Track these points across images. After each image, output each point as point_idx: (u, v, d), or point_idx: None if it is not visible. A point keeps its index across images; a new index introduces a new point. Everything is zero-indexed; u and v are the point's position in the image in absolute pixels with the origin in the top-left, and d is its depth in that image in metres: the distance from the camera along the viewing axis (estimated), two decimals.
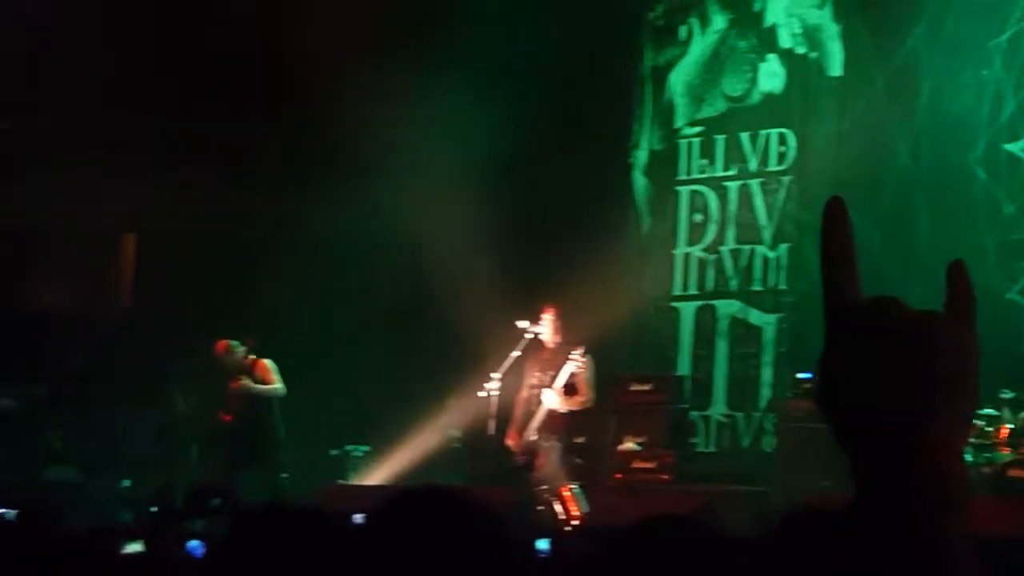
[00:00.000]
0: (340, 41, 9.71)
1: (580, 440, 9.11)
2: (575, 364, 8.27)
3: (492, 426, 8.52)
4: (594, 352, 8.53)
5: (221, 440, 9.42)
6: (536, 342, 8.55)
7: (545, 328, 8.50)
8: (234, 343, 9.42)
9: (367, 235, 10.72)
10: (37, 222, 11.32)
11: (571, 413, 8.45)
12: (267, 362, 9.43)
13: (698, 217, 11.38)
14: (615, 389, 10.04)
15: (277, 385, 9.38)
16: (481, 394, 8.60)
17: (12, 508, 5.64)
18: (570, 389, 8.32)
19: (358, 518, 2.08)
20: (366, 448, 10.90)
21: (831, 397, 1.23)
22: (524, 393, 8.50)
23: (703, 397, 11.06)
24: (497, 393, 8.47)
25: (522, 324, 8.50)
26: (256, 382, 9.39)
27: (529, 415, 8.41)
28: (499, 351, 8.72)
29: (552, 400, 8.28)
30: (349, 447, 10.92)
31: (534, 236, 11.01)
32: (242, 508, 4.80)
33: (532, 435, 8.35)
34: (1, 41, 10.01)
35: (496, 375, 8.52)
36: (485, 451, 8.89)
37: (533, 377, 8.45)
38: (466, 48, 10.40)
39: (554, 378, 8.33)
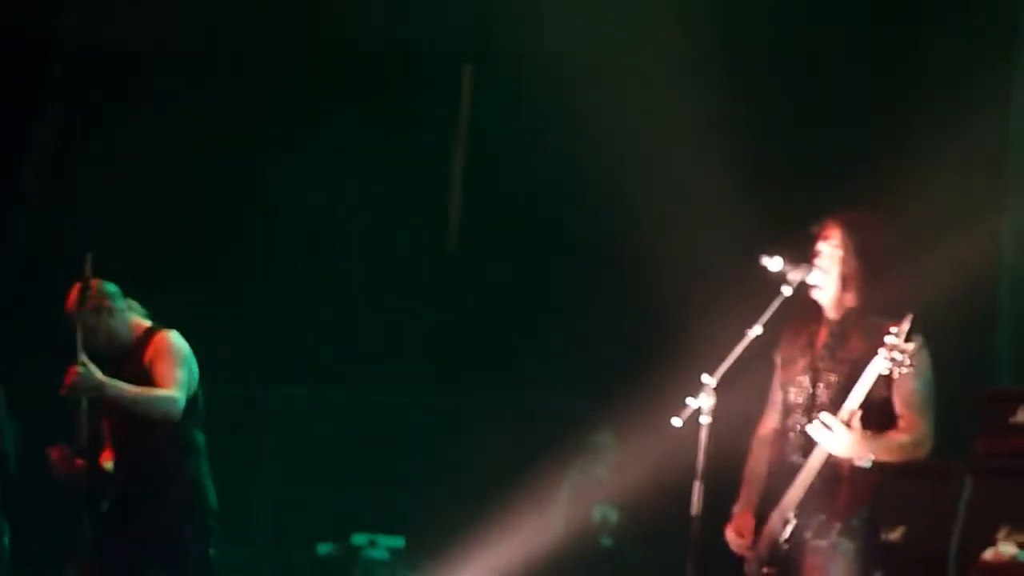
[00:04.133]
0: None
1: (896, 534, 8.41)
2: (893, 356, 6.88)
3: (697, 495, 7.09)
4: (933, 331, 7.11)
5: (72, 508, 7.96)
6: (804, 304, 7.31)
7: (827, 273, 7.20)
8: (110, 287, 7.80)
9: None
10: None
11: (878, 472, 7.09)
12: (170, 337, 7.87)
13: None
14: (978, 421, 8.90)
15: (172, 391, 7.74)
16: (674, 422, 7.14)
17: None
18: (878, 414, 7.01)
19: None
20: (395, 543, 10.52)
21: None
22: (772, 420, 7.39)
23: None
24: (709, 419, 7.08)
25: (773, 264, 7.21)
26: (138, 374, 7.70)
27: (785, 471, 7.18)
28: (718, 327, 7.53)
29: (838, 439, 7.02)
30: (359, 539, 10.47)
31: (798, 80, 10.18)
32: None
33: (788, 517, 7.10)
34: None
35: (709, 380, 7.12)
36: (674, 552, 7.59)
37: (794, 384, 7.25)
38: None
39: (842, 386, 7.09)
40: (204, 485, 7.92)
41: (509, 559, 10.10)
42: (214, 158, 11.09)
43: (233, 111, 11.11)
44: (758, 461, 7.29)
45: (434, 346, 11.11)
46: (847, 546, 6.96)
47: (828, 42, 10.45)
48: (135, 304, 7.94)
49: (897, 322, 6.89)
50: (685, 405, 7.06)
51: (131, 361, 7.81)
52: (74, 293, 7.76)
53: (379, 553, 10.48)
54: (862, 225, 7.21)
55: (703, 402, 7.02)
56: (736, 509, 7.24)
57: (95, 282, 7.79)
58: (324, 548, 10.48)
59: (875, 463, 7.04)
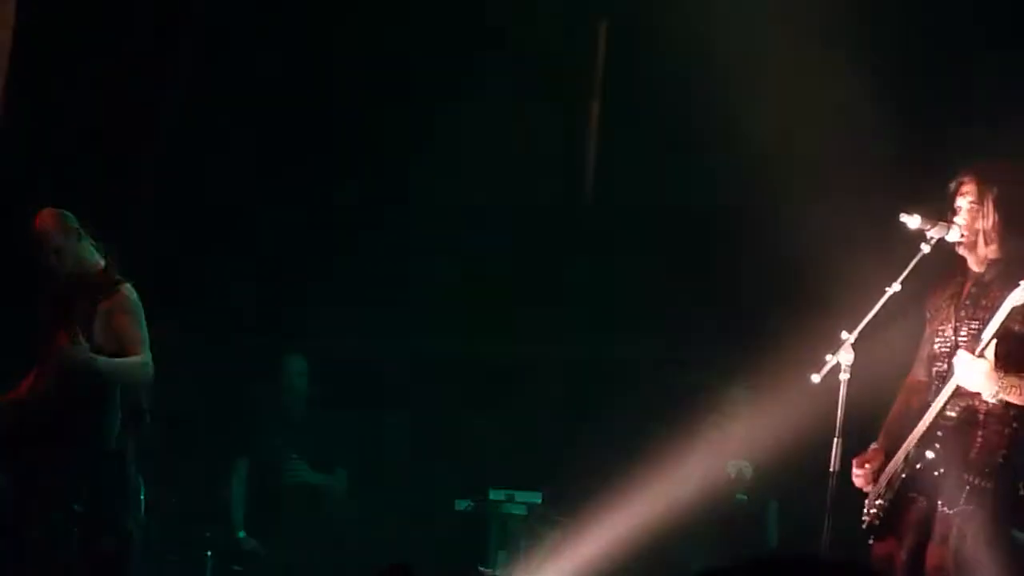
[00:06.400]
0: None
1: None
2: None
3: (836, 452, 7.00)
4: None
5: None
6: (951, 260, 7.19)
7: (965, 228, 7.06)
8: (67, 217, 7.53)
9: None
10: None
11: (1014, 419, 6.92)
12: (132, 294, 7.55)
13: None
14: None
15: (146, 356, 7.49)
16: (813, 379, 7.08)
17: None
18: (1011, 357, 6.83)
19: None
20: (533, 498, 10.39)
21: None
22: (920, 372, 7.28)
23: None
24: (848, 376, 7.00)
25: (911, 221, 7.07)
26: (90, 317, 7.42)
27: (921, 408, 7.10)
28: (857, 284, 7.56)
29: (973, 369, 6.85)
30: (496, 494, 10.41)
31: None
32: None
33: (909, 451, 7.03)
34: None
35: (848, 337, 7.06)
36: (810, 508, 7.61)
37: (938, 335, 7.14)
38: None
39: (978, 331, 6.95)
40: (111, 424, 7.51)
41: (645, 515, 9.84)
42: (345, 109, 11.00)
43: (368, 64, 11.02)
44: (901, 406, 7.20)
45: (571, 298, 11.08)
46: (981, 494, 6.79)
47: None
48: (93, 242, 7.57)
49: None
50: (823, 361, 6.99)
51: (83, 302, 7.44)
52: (45, 220, 7.35)
53: (516, 508, 10.44)
54: (997, 177, 7.04)
55: (842, 358, 6.96)
56: (872, 446, 7.16)
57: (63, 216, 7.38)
58: (462, 504, 10.50)
59: (1010, 409, 6.79)
